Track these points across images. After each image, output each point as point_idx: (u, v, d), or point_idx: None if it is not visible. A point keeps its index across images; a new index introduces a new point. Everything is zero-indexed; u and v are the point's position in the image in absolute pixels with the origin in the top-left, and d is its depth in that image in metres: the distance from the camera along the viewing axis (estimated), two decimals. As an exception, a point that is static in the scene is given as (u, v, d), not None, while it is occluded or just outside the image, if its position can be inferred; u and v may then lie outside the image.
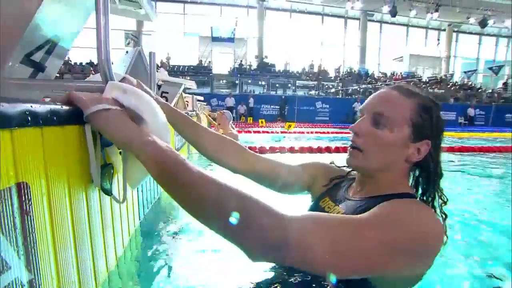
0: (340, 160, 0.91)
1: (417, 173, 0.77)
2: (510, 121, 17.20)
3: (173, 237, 1.28)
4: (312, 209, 0.89)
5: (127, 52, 2.07)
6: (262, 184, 0.98)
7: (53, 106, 0.54)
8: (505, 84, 20.82)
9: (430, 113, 0.71)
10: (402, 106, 0.70)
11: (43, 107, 0.50)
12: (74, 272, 0.61)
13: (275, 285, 0.67)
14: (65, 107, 0.57)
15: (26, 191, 0.45)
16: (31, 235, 0.46)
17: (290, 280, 0.65)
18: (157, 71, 1.67)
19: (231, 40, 18.13)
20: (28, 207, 0.46)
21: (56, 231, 0.54)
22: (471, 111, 16.35)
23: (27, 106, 0.46)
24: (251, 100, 14.76)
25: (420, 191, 0.76)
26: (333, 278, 0.54)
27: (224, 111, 4.26)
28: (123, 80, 0.77)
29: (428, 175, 0.74)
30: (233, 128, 4.07)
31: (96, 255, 0.73)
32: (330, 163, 1.00)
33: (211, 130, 1.00)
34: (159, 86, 2.72)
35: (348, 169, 0.89)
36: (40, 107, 0.49)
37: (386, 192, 0.71)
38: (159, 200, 1.70)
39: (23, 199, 0.45)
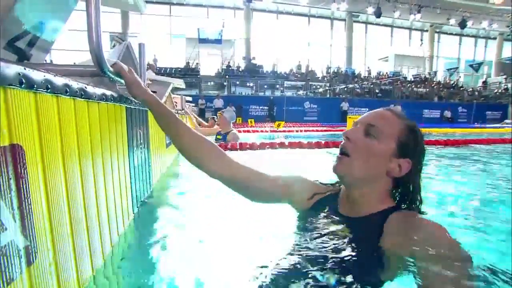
0: (326, 171, 0.91)
1: (399, 190, 0.81)
2: (490, 118, 17.84)
3: (167, 231, 1.22)
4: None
5: (114, 45, 2.04)
6: (239, 192, 0.97)
7: (48, 75, 0.52)
8: (484, 82, 21.56)
9: (415, 135, 0.78)
10: (393, 123, 0.78)
11: (38, 74, 0.49)
12: (70, 248, 0.60)
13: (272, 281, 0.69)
14: (59, 77, 0.56)
15: (20, 154, 0.44)
16: (26, 200, 0.45)
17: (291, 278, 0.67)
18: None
19: (218, 41, 18.05)
20: (22, 171, 0.44)
21: (51, 201, 0.52)
22: (447, 113, 17.09)
23: (21, 68, 0.44)
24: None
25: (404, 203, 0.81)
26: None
27: (224, 110, 4.04)
28: (115, 65, 0.90)
29: (407, 194, 0.79)
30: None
31: (92, 234, 0.71)
32: (315, 181, 1.00)
33: (194, 130, 0.98)
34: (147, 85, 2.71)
35: (333, 187, 0.93)
36: (35, 72, 0.48)
37: (373, 210, 0.77)
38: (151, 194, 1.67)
39: (18, 161, 0.43)
